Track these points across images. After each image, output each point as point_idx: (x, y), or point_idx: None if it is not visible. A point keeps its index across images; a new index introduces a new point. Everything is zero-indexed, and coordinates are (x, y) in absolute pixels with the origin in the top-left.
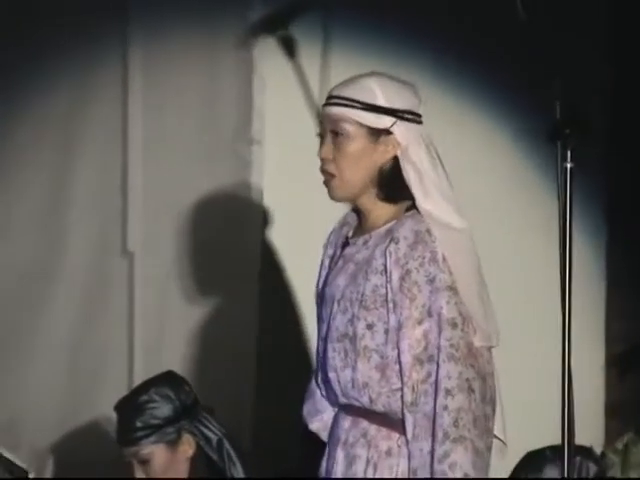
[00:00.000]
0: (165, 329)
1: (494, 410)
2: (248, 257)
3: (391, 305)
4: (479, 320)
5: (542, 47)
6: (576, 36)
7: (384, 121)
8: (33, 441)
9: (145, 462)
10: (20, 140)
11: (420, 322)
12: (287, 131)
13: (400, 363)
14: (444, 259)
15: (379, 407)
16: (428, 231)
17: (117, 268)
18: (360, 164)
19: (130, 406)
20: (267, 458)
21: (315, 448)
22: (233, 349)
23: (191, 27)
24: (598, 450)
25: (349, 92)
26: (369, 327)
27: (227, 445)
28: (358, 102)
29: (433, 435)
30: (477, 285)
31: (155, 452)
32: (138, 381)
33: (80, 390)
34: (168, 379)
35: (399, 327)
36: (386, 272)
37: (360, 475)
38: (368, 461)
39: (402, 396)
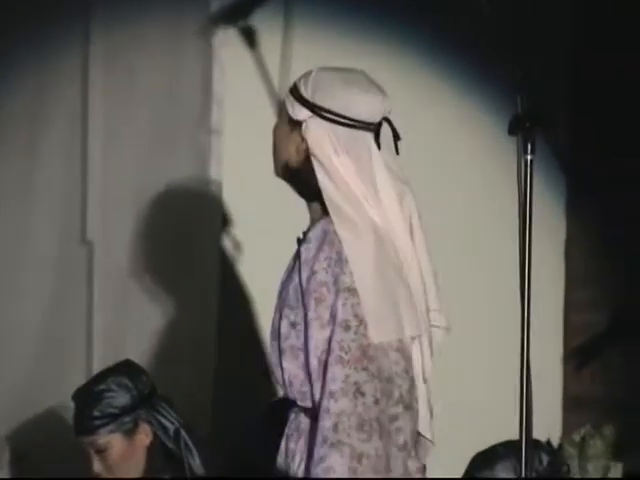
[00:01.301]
0: (124, 319)
1: (409, 409)
2: (208, 247)
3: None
4: (387, 316)
5: (504, 39)
6: (538, 28)
7: (302, 113)
8: None
9: (102, 451)
10: None
11: (327, 323)
12: (247, 121)
13: (309, 364)
14: (347, 261)
15: (307, 404)
16: (335, 231)
17: (76, 257)
18: (282, 147)
19: (87, 395)
20: (226, 446)
21: (274, 434)
22: (192, 339)
23: (152, 16)
24: (555, 442)
25: (300, 78)
26: (292, 326)
27: (184, 434)
28: (294, 87)
29: (315, 438)
30: (387, 282)
31: (112, 441)
32: (97, 371)
33: (39, 379)
34: (126, 368)
35: (307, 327)
36: (300, 272)
37: (295, 468)
38: (301, 456)
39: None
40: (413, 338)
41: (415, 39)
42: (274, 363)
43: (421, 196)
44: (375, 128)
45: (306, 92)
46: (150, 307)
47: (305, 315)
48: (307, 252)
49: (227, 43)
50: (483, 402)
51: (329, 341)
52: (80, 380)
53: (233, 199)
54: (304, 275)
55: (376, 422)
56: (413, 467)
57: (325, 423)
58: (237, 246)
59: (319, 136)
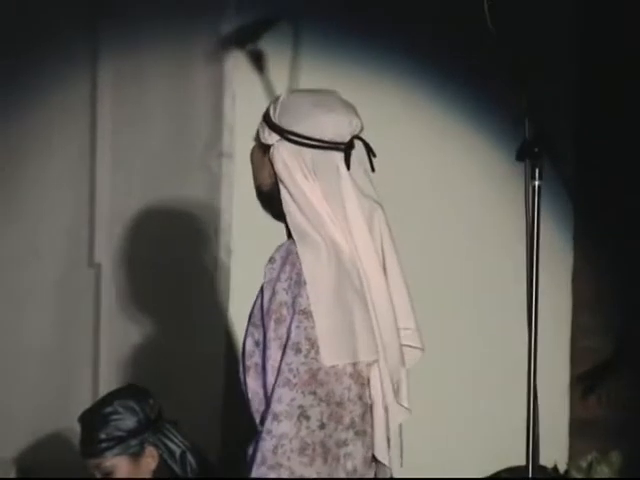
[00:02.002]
0: (131, 341)
1: (360, 435)
2: (217, 269)
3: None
4: (341, 339)
5: (511, 65)
6: (545, 54)
7: (271, 137)
8: None
9: (108, 474)
10: None
11: (284, 344)
12: None
13: (265, 384)
14: (305, 282)
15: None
16: (297, 253)
17: (84, 280)
18: (257, 174)
19: (94, 418)
20: (236, 468)
21: None
22: (201, 360)
23: (162, 41)
24: (562, 468)
25: (271, 102)
26: (257, 344)
27: (190, 458)
28: (266, 112)
29: (254, 457)
30: (344, 306)
31: (118, 464)
32: (103, 393)
33: (46, 401)
34: (132, 391)
35: (266, 347)
36: (262, 291)
37: None
38: None
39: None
40: (369, 364)
41: (423, 66)
42: (241, 380)
43: (429, 222)
44: (345, 148)
45: (274, 116)
46: (157, 329)
47: (264, 335)
48: (271, 272)
49: (237, 67)
50: (489, 428)
51: (280, 362)
52: (87, 402)
53: (243, 222)
54: (266, 295)
55: (320, 446)
56: None
57: (266, 444)
58: (246, 268)
59: (286, 159)
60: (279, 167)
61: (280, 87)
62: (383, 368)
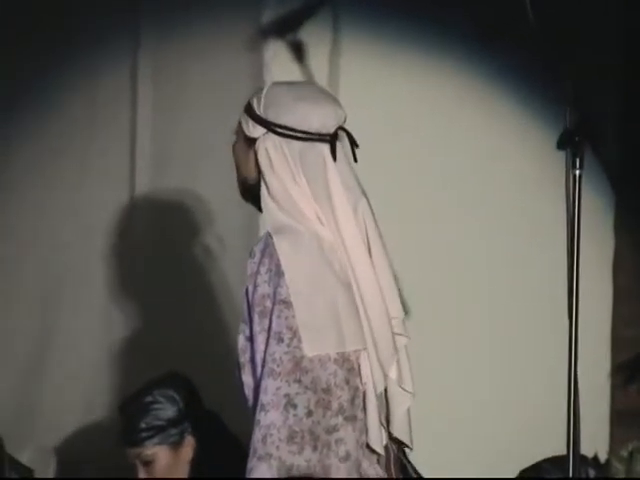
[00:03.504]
0: (173, 332)
1: (350, 420)
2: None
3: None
4: (323, 329)
5: (553, 54)
6: (588, 41)
7: (256, 130)
8: (38, 441)
9: (148, 463)
10: (37, 142)
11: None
12: None
13: (256, 374)
14: (283, 273)
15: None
16: (274, 244)
17: (123, 271)
18: (241, 168)
19: (134, 407)
20: None
21: None
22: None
23: (202, 30)
24: (602, 458)
25: (253, 96)
26: (248, 340)
27: (228, 448)
28: (248, 105)
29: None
30: (326, 295)
31: (158, 453)
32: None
33: (85, 390)
34: (172, 380)
35: (253, 341)
36: (247, 287)
37: None
38: None
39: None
40: (357, 350)
41: (463, 53)
42: (237, 378)
43: (470, 210)
44: (330, 139)
45: (259, 109)
46: (194, 319)
47: (251, 329)
48: (252, 266)
49: (277, 56)
50: (530, 417)
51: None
52: (125, 391)
53: None
54: (250, 289)
55: (309, 434)
56: (372, 473)
57: (255, 435)
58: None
59: (271, 152)
60: (263, 160)
61: (320, 76)
62: (372, 357)
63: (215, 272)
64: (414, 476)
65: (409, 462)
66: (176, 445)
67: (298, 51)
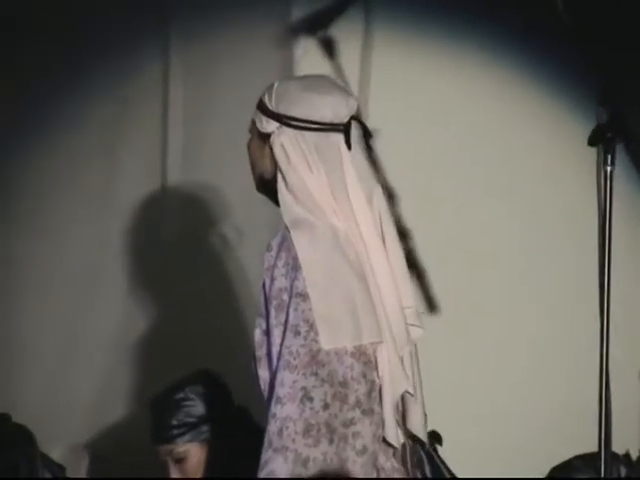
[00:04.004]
0: (194, 325)
1: (367, 414)
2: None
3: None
4: (341, 322)
5: (585, 48)
6: (620, 37)
7: (270, 125)
8: (69, 438)
9: (180, 461)
10: (69, 143)
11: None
12: None
13: (271, 368)
14: (300, 266)
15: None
16: (291, 238)
17: (154, 268)
18: (257, 163)
19: (165, 404)
20: None
21: None
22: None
23: (232, 27)
24: (634, 455)
25: (264, 92)
26: (264, 334)
27: (257, 444)
28: (260, 102)
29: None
30: (343, 288)
31: (190, 450)
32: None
33: (117, 387)
34: (203, 377)
35: (270, 334)
36: (264, 280)
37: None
38: None
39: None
40: (374, 343)
41: (496, 49)
42: (253, 373)
43: (499, 207)
44: (344, 128)
45: (271, 104)
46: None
47: (268, 322)
48: (269, 259)
49: (307, 53)
50: (562, 415)
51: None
52: (156, 388)
53: None
54: (267, 283)
55: (325, 427)
56: (388, 466)
57: (271, 427)
58: None
59: (287, 146)
60: (279, 154)
61: (351, 73)
62: (391, 350)
63: (238, 268)
64: (446, 475)
65: (441, 460)
66: (207, 442)
67: (329, 48)
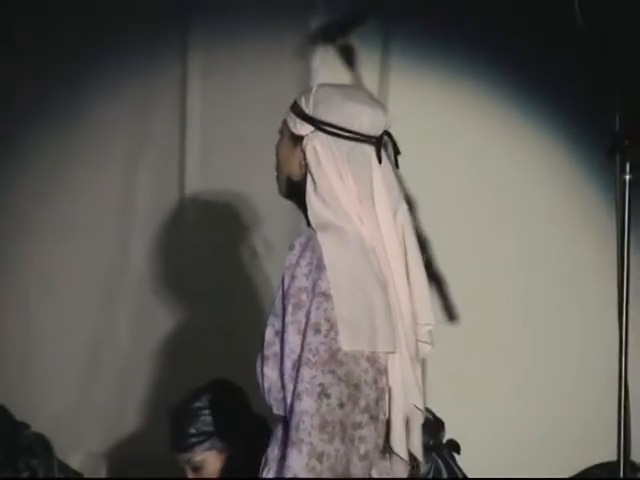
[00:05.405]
0: (216, 333)
1: (374, 420)
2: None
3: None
4: (360, 326)
5: (601, 56)
6: (636, 46)
7: (304, 128)
8: (88, 446)
9: (198, 469)
10: (88, 138)
11: (302, 329)
12: None
13: (282, 366)
14: (325, 267)
15: (282, 412)
16: (317, 239)
17: (173, 273)
18: (285, 165)
19: (183, 412)
20: None
21: None
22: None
23: (251, 36)
24: None
25: (300, 95)
26: (277, 334)
27: None
28: (294, 104)
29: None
30: (365, 293)
31: (208, 459)
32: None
33: (135, 396)
34: (221, 386)
35: (283, 332)
36: (284, 278)
37: (266, 476)
38: (275, 464)
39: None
40: (387, 353)
41: (512, 59)
42: (257, 371)
43: (517, 216)
44: (377, 141)
45: (307, 107)
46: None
47: (283, 319)
48: (290, 258)
49: (325, 63)
50: (580, 424)
51: (301, 345)
52: (175, 397)
53: None
54: (287, 281)
55: (339, 425)
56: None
57: (291, 422)
58: None
59: (319, 151)
60: (310, 158)
61: (368, 83)
62: (406, 362)
63: (261, 276)
64: None
65: (459, 468)
66: (225, 451)
67: (347, 57)
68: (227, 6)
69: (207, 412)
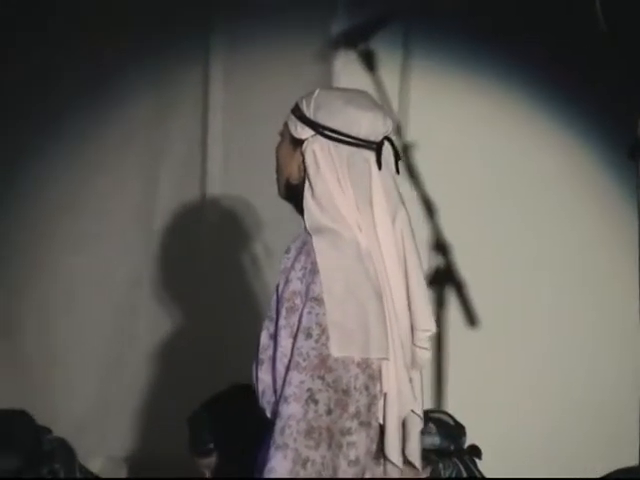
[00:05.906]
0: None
1: (365, 426)
2: None
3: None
4: (352, 331)
5: (623, 61)
6: None
7: (304, 132)
8: (109, 450)
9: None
10: (109, 145)
11: (295, 332)
12: None
13: (275, 370)
14: (318, 271)
15: (273, 416)
16: (312, 243)
17: (199, 275)
18: (285, 168)
19: (202, 418)
20: None
21: None
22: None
23: (272, 40)
24: None
25: (302, 98)
26: (272, 337)
27: None
28: (296, 107)
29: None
30: (359, 299)
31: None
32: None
33: (155, 399)
34: (239, 391)
35: (276, 334)
36: (278, 282)
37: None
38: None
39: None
40: (380, 359)
41: (533, 64)
42: (252, 375)
43: (538, 220)
44: (377, 147)
45: (308, 111)
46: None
47: (277, 323)
48: (285, 262)
49: (346, 67)
50: (602, 428)
51: (291, 348)
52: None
53: None
54: (281, 284)
55: (326, 431)
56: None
57: (276, 425)
58: None
59: (319, 155)
60: (310, 162)
61: (390, 87)
62: (401, 368)
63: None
64: None
65: (480, 473)
66: (242, 455)
67: (368, 61)
68: (248, 11)
69: (226, 417)
